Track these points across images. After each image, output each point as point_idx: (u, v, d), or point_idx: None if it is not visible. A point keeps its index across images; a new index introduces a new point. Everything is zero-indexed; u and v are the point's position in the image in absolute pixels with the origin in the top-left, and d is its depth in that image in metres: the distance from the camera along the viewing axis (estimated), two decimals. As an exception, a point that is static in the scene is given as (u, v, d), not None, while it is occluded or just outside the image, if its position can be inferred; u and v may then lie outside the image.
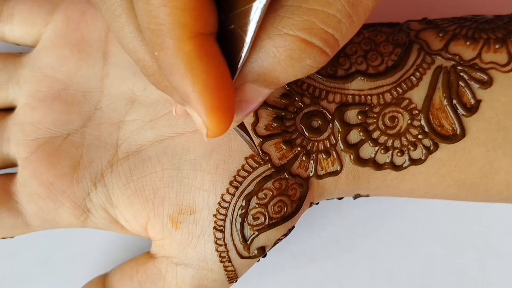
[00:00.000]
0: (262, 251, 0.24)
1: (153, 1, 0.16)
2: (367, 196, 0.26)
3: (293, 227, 0.25)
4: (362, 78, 0.24)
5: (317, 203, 0.26)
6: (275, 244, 0.25)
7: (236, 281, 0.25)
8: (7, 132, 0.25)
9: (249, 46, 0.17)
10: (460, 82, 0.23)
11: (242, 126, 0.22)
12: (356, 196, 0.26)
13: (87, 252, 0.29)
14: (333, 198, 0.26)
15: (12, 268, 0.29)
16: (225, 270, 0.24)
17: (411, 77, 0.24)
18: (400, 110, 0.24)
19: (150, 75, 0.19)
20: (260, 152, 0.23)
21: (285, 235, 0.25)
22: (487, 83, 0.23)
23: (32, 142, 0.25)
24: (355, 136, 0.24)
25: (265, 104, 0.24)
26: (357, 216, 0.30)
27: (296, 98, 0.24)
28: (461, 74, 0.23)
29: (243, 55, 0.17)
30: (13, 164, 0.26)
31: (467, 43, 0.24)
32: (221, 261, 0.24)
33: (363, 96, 0.24)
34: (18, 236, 0.26)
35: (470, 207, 0.30)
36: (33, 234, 0.27)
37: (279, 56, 0.17)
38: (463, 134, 0.23)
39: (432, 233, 0.30)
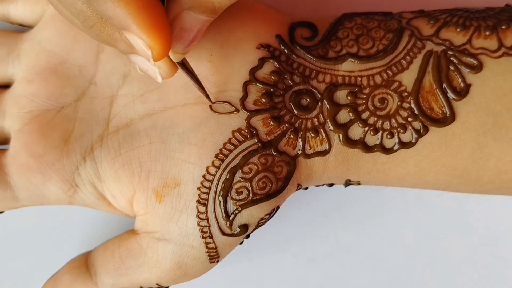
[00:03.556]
0: (245, 230, 0.24)
1: None
2: (358, 183, 0.26)
3: (278, 207, 0.24)
4: (352, 60, 0.24)
5: (306, 188, 0.26)
6: (258, 224, 0.24)
7: (217, 261, 0.24)
8: (3, 106, 0.25)
9: None
10: (450, 66, 0.23)
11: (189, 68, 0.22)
12: (347, 183, 0.26)
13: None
14: (322, 185, 0.26)
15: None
16: (206, 247, 0.24)
17: (402, 60, 0.24)
18: (390, 92, 0.24)
19: (91, 26, 0.19)
20: (208, 94, 0.23)
21: (269, 215, 0.24)
22: (477, 68, 0.23)
23: (26, 115, 0.25)
24: (344, 116, 0.24)
25: (255, 79, 0.24)
26: (357, 216, 0.30)
27: (286, 76, 0.24)
28: (451, 58, 0.23)
29: None
30: (8, 140, 0.26)
31: (458, 29, 0.24)
32: (203, 237, 0.23)
33: (353, 78, 0.24)
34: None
35: (470, 206, 0.29)
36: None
37: None
38: (453, 117, 0.23)
39: (432, 233, 0.29)
